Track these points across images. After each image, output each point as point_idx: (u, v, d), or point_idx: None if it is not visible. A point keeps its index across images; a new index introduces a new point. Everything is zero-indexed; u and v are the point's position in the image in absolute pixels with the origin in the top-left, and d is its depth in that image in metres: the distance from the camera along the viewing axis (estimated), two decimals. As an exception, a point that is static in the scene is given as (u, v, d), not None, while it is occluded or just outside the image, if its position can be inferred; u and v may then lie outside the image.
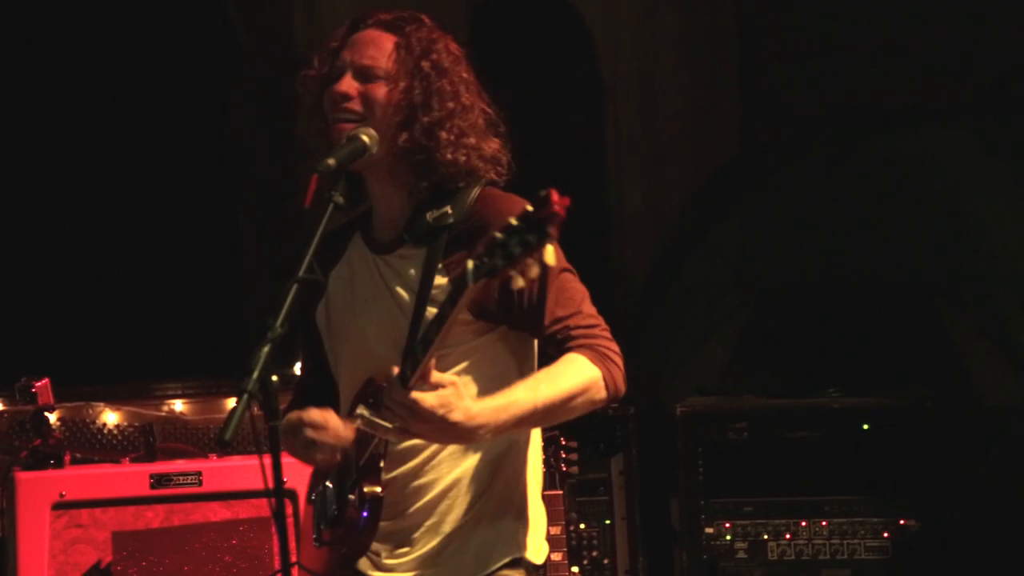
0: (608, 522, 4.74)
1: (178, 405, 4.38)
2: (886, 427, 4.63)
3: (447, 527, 2.89)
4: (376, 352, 2.87)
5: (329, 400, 2.98)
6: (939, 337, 5.31)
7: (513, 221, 2.41)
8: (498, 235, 2.43)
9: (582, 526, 4.73)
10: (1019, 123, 5.46)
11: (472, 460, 2.89)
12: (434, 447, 2.88)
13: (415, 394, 2.61)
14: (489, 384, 2.82)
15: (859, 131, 5.64)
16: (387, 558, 2.91)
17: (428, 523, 2.89)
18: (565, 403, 2.77)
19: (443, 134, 2.84)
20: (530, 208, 2.40)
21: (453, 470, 2.89)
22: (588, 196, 5.64)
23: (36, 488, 3.98)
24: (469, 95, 2.90)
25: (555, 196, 2.38)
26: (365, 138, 2.84)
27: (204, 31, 5.87)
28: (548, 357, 2.82)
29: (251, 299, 5.82)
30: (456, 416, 2.64)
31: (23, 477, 4.00)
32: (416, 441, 2.84)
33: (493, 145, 2.90)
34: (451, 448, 2.87)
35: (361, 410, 2.70)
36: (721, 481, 4.68)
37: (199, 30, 5.85)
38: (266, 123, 6.04)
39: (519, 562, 2.90)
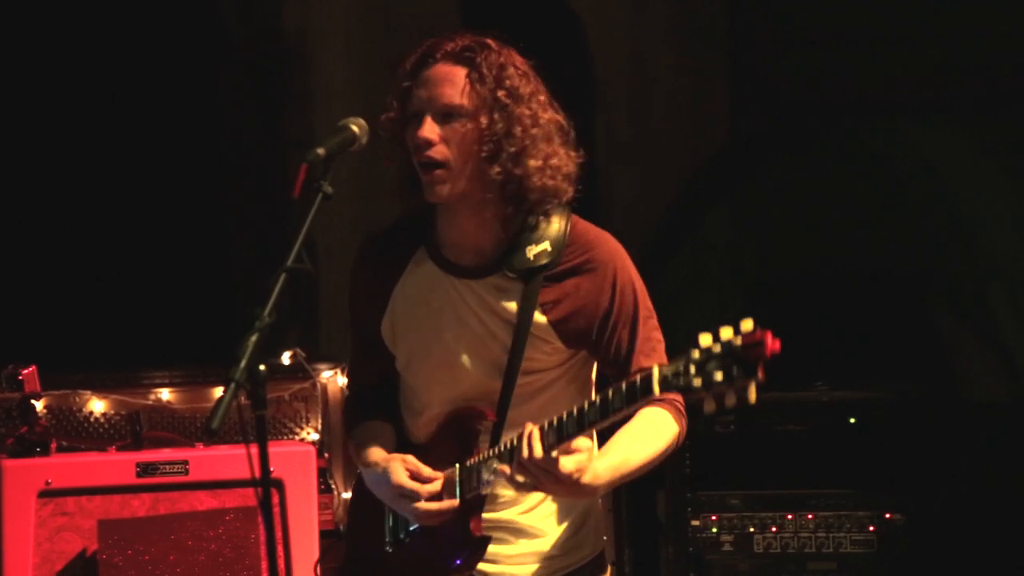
0: (595, 514, 4.74)
1: (165, 394, 4.37)
2: (873, 421, 4.63)
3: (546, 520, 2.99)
4: (470, 374, 2.94)
5: (394, 405, 3.08)
6: (927, 332, 5.32)
7: (715, 346, 2.51)
8: (696, 354, 2.53)
9: (569, 518, 4.73)
10: (1012, 120, 5.47)
11: None
12: None
13: (560, 459, 2.72)
14: (569, 401, 2.91)
15: (850, 126, 5.65)
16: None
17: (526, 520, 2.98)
18: (655, 460, 2.91)
19: (531, 162, 2.89)
20: (737, 339, 2.48)
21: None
22: (578, 188, 5.63)
23: (22, 476, 3.97)
24: (546, 113, 2.94)
25: (769, 339, 2.48)
26: (355, 128, 2.86)
27: (195, 22, 5.85)
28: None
29: (239, 288, 5.81)
30: (587, 478, 2.75)
31: (9, 464, 3.99)
32: None
33: (572, 158, 2.97)
34: None
35: (497, 466, 2.80)
36: (708, 474, 4.68)
37: (190, 21, 5.83)
38: (257, 113, 6.04)
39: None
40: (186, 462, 4.05)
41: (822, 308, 5.37)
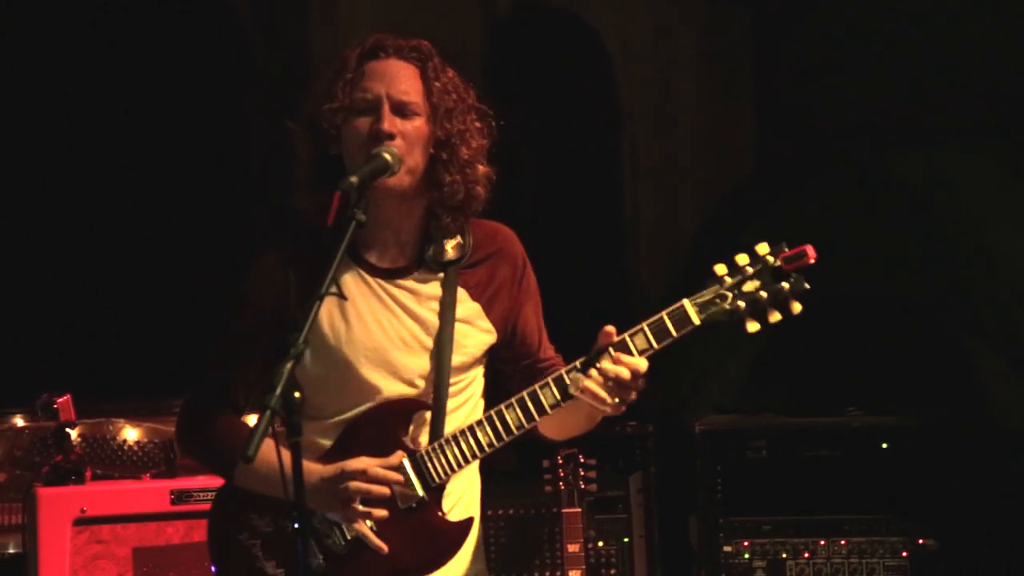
0: (626, 540, 4.74)
1: (198, 421, 4.38)
2: (905, 446, 4.62)
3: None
4: (402, 374, 2.94)
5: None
6: (958, 357, 5.30)
7: (748, 267, 2.68)
8: (728, 278, 2.71)
9: (600, 544, 4.73)
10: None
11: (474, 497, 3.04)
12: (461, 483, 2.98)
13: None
14: (477, 404, 2.99)
15: (876, 153, 5.64)
16: None
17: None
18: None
19: (481, 168, 2.96)
20: (775, 258, 2.68)
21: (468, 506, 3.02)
22: (604, 214, 5.64)
23: (57, 504, 3.99)
24: (479, 125, 2.99)
25: (810, 249, 2.69)
26: (388, 156, 2.88)
27: (220, 48, 5.88)
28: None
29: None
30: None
31: (44, 493, 4.01)
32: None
33: (491, 173, 3.02)
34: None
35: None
36: (740, 499, 4.67)
37: (215, 47, 5.86)
38: (283, 137, 6.06)
39: None
40: (220, 489, 4.05)
41: (853, 334, 5.36)
